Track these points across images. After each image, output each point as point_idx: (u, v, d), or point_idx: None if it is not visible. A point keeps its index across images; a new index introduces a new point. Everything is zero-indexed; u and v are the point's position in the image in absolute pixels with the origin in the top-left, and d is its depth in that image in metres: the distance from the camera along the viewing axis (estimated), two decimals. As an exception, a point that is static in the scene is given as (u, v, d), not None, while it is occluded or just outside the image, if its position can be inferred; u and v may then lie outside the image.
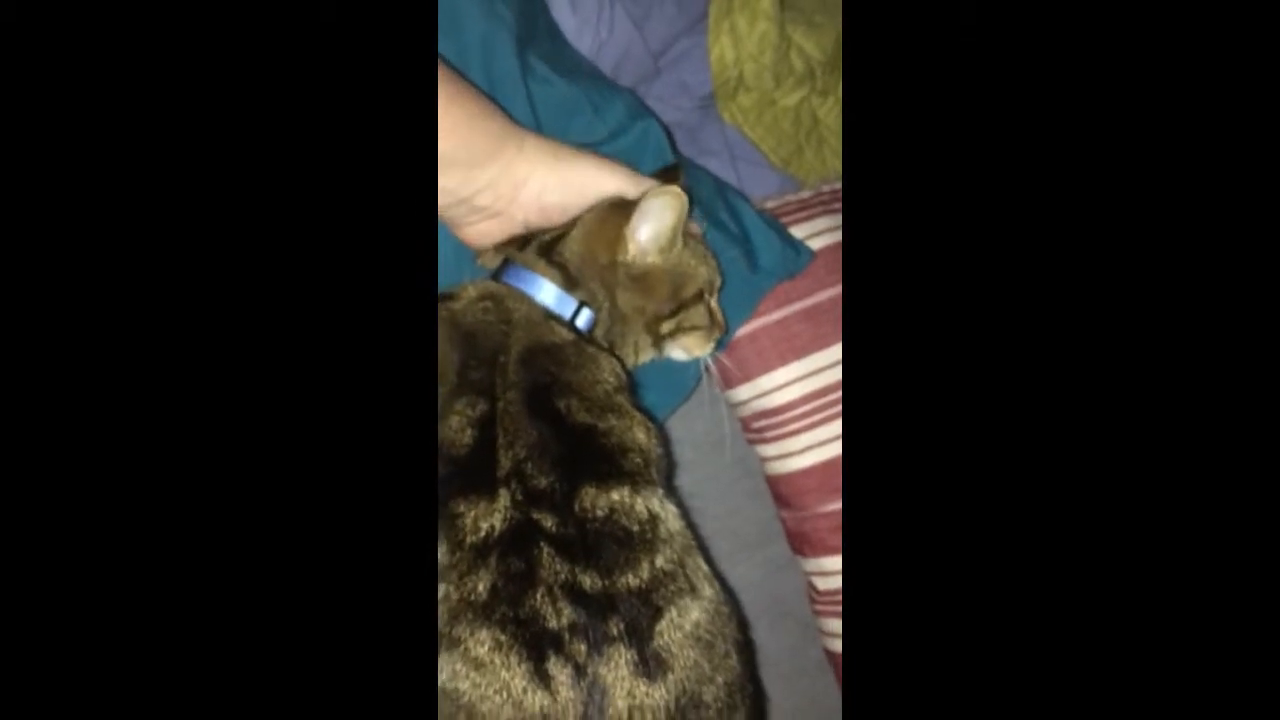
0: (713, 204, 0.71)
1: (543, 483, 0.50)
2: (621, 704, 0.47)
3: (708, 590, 0.52)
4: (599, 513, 0.50)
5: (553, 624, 0.47)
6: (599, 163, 0.61)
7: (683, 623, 0.49)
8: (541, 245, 0.60)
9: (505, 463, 0.50)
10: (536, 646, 0.47)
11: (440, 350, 0.55)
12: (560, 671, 0.47)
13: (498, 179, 0.58)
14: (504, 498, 0.49)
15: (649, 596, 0.49)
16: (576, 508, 0.50)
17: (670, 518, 0.52)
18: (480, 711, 0.47)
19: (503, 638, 0.47)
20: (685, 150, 0.89)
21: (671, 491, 0.55)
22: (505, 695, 0.47)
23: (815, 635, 0.86)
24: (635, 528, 0.50)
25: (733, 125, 0.98)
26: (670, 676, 0.48)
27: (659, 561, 0.50)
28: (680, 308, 0.61)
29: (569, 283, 0.59)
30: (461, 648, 0.47)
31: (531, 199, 0.59)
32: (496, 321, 0.56)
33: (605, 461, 0.51)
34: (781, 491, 0.82)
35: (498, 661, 0.47)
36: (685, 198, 0.58)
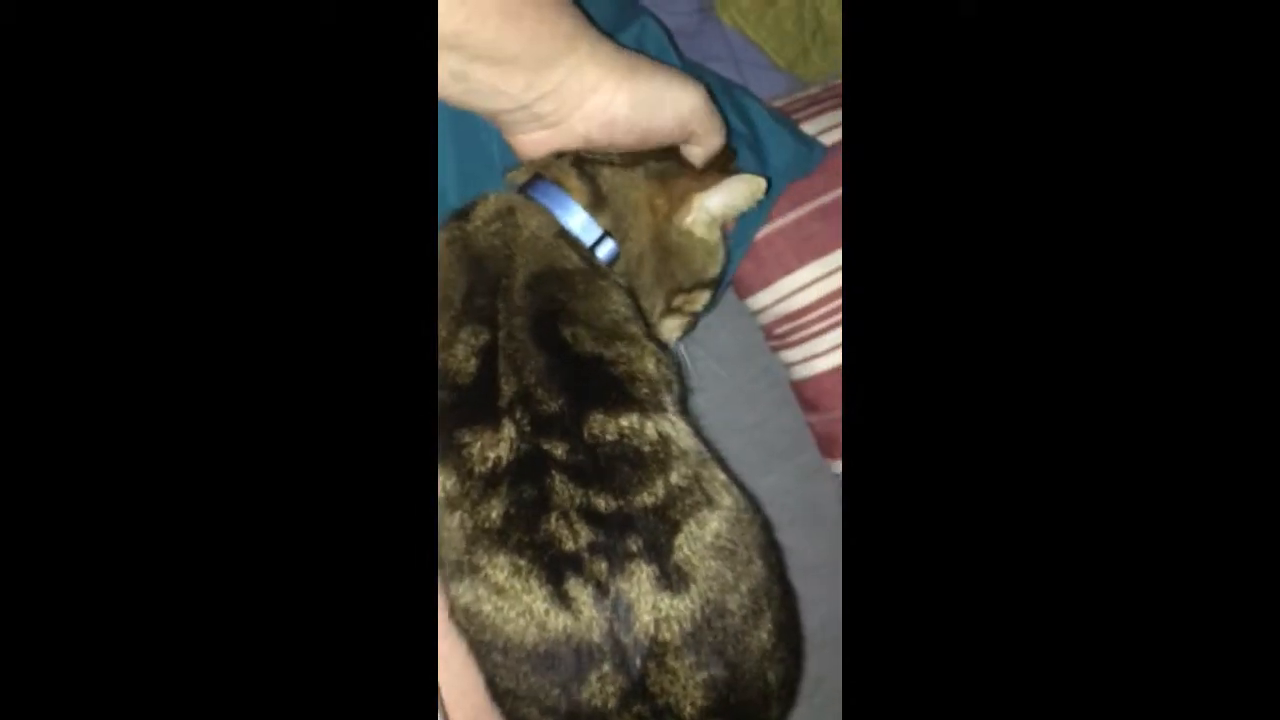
0: (720, 104, 0.69)
1: (551, 408, 0.49)
2: (647, 618, 0.47)
3: (726, 499, 0.51)
4: (608, 437, 0.49)
5: (570, 546, 0.47)
6: (673, 75, 0.57)
7: (702, 534, 0.49)
8: (577, 158, 0.57)
9: (507, 391, 0.50)
10: (555, 569, 0.47)
11: (448, 275, 0.53)
12: (581, 592, 0.47)
13: (565, 83, 0.53)
14: (509, 428, 0.49)
15: (665, 512, 0.49)
16: (585, 434, 0.49)
17: (682, 436, 0.52)
18: (505, 633, 0.48)
19: (521, 562, 0.47)
20: (688, 56, 0.86)
21: (685, 414, 0.54)
22: (529, 618, 0.47)
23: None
24: (647, 448, 0.50)
25: (734, 28, 0.95)
26: (693, 588, 0.48)
27: (673, 478, 0.50)
28: (696, 286, 0.61)
29: (596, 203, 0.57)
30: (481, 574, 0.48)
31: (597, 110, 0.55)
32: (503, 244, 0.54)
33: (613, 389, 0.51)
34: (808, 396, 0.81)
35: (518, 586, 0.47)
36: (764, 192, 0.58)
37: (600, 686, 0.47)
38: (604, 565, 0.47)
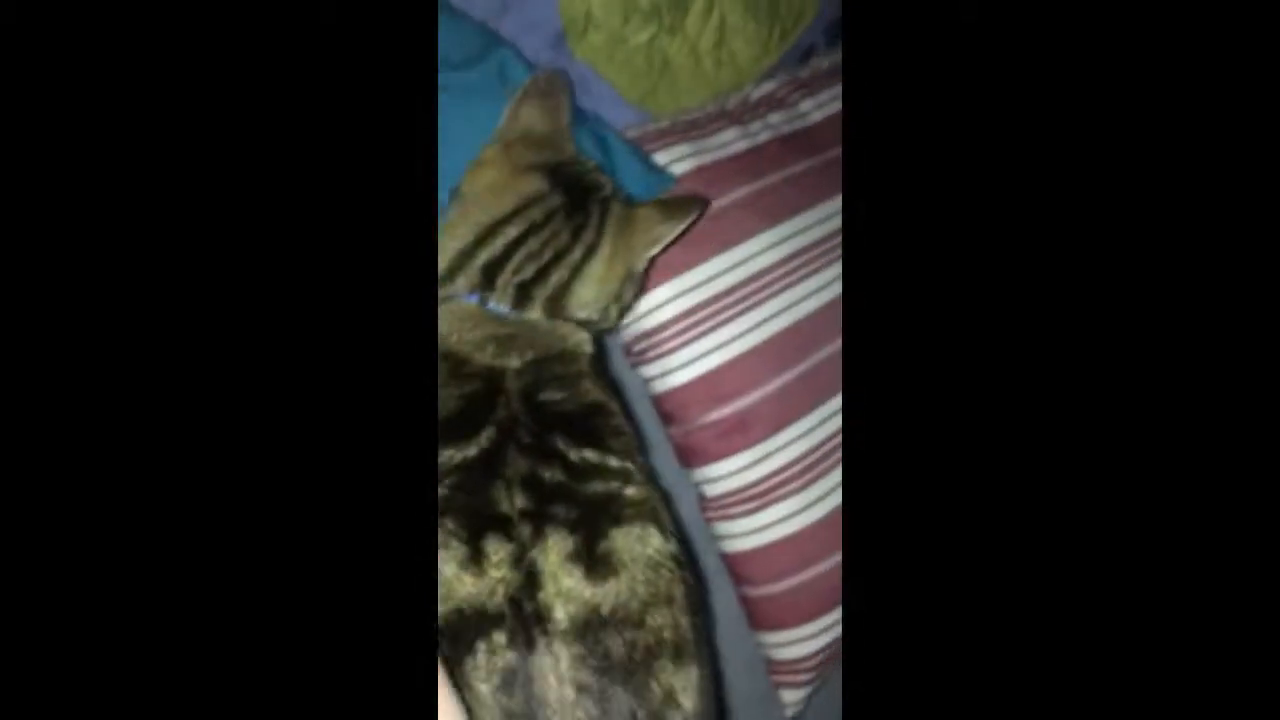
0: (577, 131, 0.73)
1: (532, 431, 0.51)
2: (549, 589, 0.44)
3: (674, 541, 0.50)
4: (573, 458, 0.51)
5: (504, 508, 0.47)
6: None
7: (645, 540, 0.48)
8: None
9: (502, 413, 0.51)
10: (478, 529, 0.46)
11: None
12: (496, 551, 0.45)
13: None
14: (488, 430, 0.49)
15: (610, 504, 0.48)
16: (559, 444, 0.51)
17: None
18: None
19: (451, 525, 0.46)
20: (543, 89, 0.89)
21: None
22: (445, 589, 0.45)
23: (709, 542, 0.91)
24: (614, 462, 0.51)
25: (586, 64, 0.99)
26: (612, 583, 0.45)
27: (630, 491, 0.49)
28: None
29: None
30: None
31: None
32: None
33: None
34: (665, 408, 0.86)
35: (444, 555, 0.45)
36: None
37: (487, 659, 0.43)
38: (528, 530, 0.46)
